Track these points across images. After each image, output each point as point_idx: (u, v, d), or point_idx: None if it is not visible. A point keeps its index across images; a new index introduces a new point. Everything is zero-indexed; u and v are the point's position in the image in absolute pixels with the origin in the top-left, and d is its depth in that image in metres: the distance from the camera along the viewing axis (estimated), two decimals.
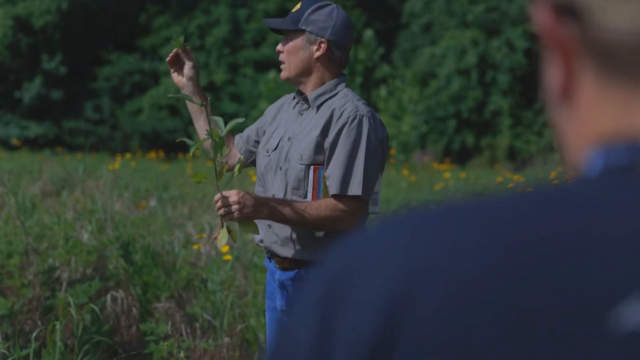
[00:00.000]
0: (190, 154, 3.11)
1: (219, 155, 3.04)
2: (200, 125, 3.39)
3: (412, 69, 30.72)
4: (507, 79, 29.15)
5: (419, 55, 31.76)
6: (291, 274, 3.20)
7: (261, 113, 3.72)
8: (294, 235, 3.15)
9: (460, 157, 28.93)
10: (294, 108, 3.31)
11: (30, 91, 31.72)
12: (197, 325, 5.55)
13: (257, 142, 3.42)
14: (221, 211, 2.97)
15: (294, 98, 3.35)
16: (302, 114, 3.26)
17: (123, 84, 33.66)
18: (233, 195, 2.98)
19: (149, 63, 34.17)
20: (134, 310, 5.80)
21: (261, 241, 3.26)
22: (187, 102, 3.42)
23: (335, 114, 3.13)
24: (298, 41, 3.21)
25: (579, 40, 0.67)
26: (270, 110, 3.44)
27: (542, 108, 29.57)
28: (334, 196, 3.09)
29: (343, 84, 3.25)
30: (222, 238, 3.06)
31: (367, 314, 0.64)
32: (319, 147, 3.13)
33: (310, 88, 3.24)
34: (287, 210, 3.03)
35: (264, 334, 5.29)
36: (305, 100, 3.25)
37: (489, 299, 0.61)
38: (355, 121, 3.10)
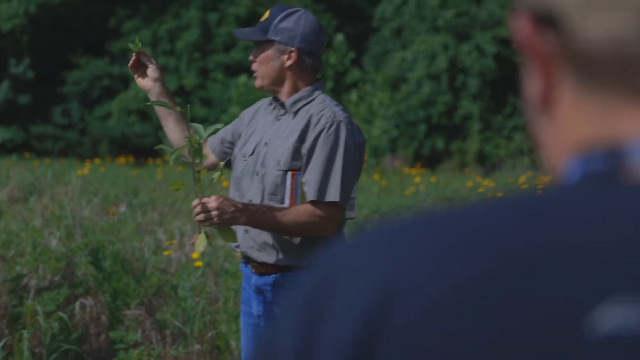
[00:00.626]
0: (171, 162, 3.11)
1: (197, 161, 3.02)
2: (170, 128, 3.38)
3: (383, 73, 30.79)
4: (476, 84, 29.31)
5: (390, 59, 31.84)
6: (268, 279, 3.20)
7: (232, 117, 3.71)
8: (271, 241, 3.15)
9: (431, 161, 29.03)
10: (270, 113, 3.31)
11: None
12: (168, 332, 5.51)
13: (232, 143, 3.41)
14: (200, 217, 2.96)
15: (271, 103, 3.34)
16: (278, 120, 3.26)
17: (92, 89, 33.47)
18: (212, 201, 2.96)
19: (119, 67, 34.00)
20: (103, 317, 5.74)
21: (237, 246, 3.25)
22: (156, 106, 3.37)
23: (313, 120, 3.13)
24: (269, 52, 3.21)
25: (557, 49, 0.68)
26: (246, 113, 3.42)
27: (512, 112, 29.75)
28: (312, 202, 3.09)
29: (319, 90, 3.26)
30: (200, 244, 3.04)
31: (347, 323, 0.65)
32: (296, 153, 3.13)
33: (285, 95, 3.25)
34: (265, 217, 3.03)
35: (235, 341, 5.26)
36: (282, 106, 3.25)
37: (467, 308, 0.62)
38: (333, 127, 3.10)
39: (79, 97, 33.22)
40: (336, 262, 0.69)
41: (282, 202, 3.14)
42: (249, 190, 3.21)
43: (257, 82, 3.26)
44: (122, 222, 8.17)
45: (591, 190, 0.65)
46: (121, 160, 23.47)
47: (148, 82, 3.38)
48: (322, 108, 3.17)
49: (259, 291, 3.22)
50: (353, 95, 28.32)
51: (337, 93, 28.36)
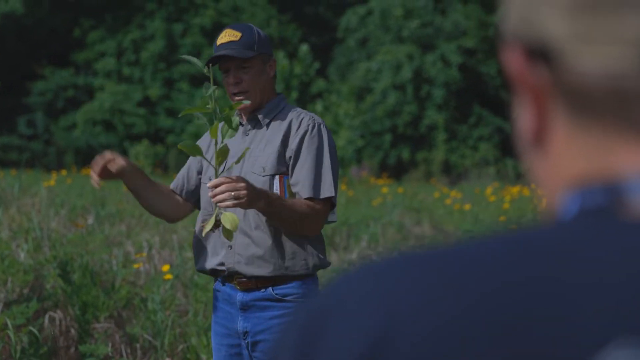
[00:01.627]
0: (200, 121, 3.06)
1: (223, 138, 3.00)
2: (152, 198, 3.31)
3: (348, 83, 30.87)
4: (441, 94, 29.46)
5: (355, 69, 31.93)
6: (257, 293, 3.20)
7: (197, 128, 3.67)
8: (260, 252, 3.16)
9: (397, 171, 29.11)
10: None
11: None
12: (138, 345, 5.49)
13: (199, 173, 3.42)
14: (221, 196, 2.89)
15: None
16: (247, 134, 3.27)
17: (57, 99, 33.28)
18: (240, 180, 2.93)
19: (83, 78, 33.84)
20: (73, 330, 5.71)
21: (220, 264, 3.22)
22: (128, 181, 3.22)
23: (294, 125, 3.19)
24: (259, 66, 3.24)
25: (550, 83, 0.67)
26: (201, 144, 3.35)
27: (477, 122, 29.92)
28: (308, 199, 3.15)
29: (285, 101, 3.35)
30: (209, 225, 3.00)
31: (344, 358, 0.63)
32: (281, 157, 3.17)
33: (257, 108, 3.27)
34: (279, 203, 3.05)
35: (207, 354, 5.25)
36: (254, 119, 3.26)
37: (465, 345, 0.60)
38: (315, 129, 3.19)
39: (44, 108, 33.01)
40: (332, 297, 0.67)
41: None
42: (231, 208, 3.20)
43: (251, 103, 3.20)
44: (90, 234, 8.13)
45: (590, 226, 0.64)
46: (87, 171, 23.29)
47: (115, 165, 3.13)
48: (298, 113, 3.24)
49: (245, 307, 3.21)
50: (318, 106, 28.36)
51: (302, 103, 28.41)
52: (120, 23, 34.53)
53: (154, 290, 5.85)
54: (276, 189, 3.15)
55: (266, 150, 3.19)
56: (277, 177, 3.16)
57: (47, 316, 5.69)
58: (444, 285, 0.62)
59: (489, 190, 16.02)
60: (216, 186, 2.90)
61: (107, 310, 5.78)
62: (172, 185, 3.42)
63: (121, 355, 5.42)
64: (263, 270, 3.17)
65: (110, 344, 5.43)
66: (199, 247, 3.31)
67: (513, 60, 0.69)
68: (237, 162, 3.10)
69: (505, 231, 0.66)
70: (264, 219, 3.15)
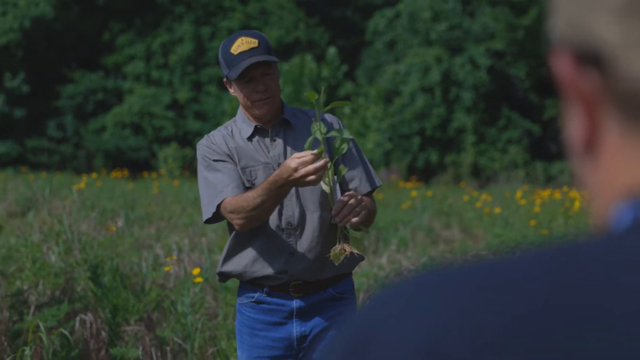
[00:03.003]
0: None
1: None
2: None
3: (376, 86, 30.83)
4: (470, 96, 29.34)
5: (383, 72, 31.89)
6: (316, 296, 3.21)
7: None
8: (321, 256, 3.15)
9: (425, 174, 29.03)
10: (252, 138, 3.26)
11: None
12: (168, 348, 5.50)
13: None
14: (351, 216, 2.92)
15: (230, 130, 3.30)
16: (275, 140, 3.25)
17: (86, 102, 33.47)
18: (352, 194, 2.96)
19: (112, 81, 34.03)
20: (103, 333, 5.73)
21: (282, 271, 3.18)
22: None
23: (325, 123, 3.14)
24: (277, 71, 3.23)
25: (602, 90, 0.64)
26: (222, 147, 3.26)
27: (506, 125, 29.78)
28: (366, 194, 3.23)
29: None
30: (341, 255, 2.99)
31: None
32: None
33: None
34: (366, 206, 3.06)
35: (235, 358, 5.24)
36: (279, 123, 3.25)
37: None
38: (341, 125, 3.24)
39: (74, 111, 33.21)
40: (375, 313, 0.65)
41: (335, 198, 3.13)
42: (287, 208, 3.18)
43: (272, 107, 3.21)
44: (119, 237, 8.17)
45: None
46: (117, 173, 23.44)
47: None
48: (308, 112, 3.31)
49: (301, 313, 3.21)
50: (346, 109, 28.35)
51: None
52: (149, 26, 34.69)
53: (183, 293, 5.86)
54: (337, 189, 3.13)
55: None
56: (337, 185, 3.15)
57: (77, 319, 5.71)
58: (491, 302, 0.60)
59: (518, 193, 15.91)
60: (342, 206, 2.93)
61: (137, 313, 5.79)
62: (235, 192, 3.17)
63: (151, 359, 5.43)
64: (326, 272, 3.18)
65: (140, 347, 5.44)
66: (246, 254, 3.24)
67: (562, 67, 0.67)
68: (331, 172, 3.04)
69: (553, 243, 0.64)
70: (319, 221, 3.15)
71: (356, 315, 0.67)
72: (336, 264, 3.00)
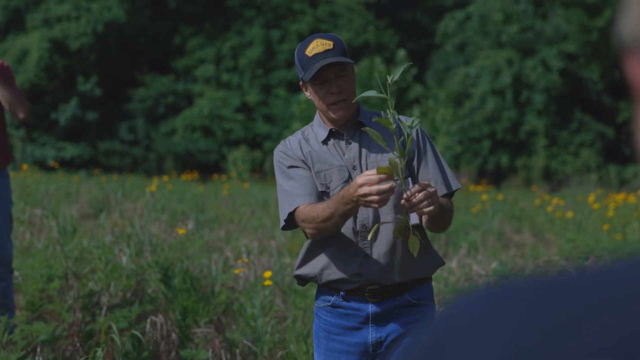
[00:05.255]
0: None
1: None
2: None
3: (446, 89, 30.68)
4: (542, 99, 29.02)
5: (453, 75, 31.72)
6: (392, 302, 3.17)
7: (293, 133, 3.53)
8: (398, 260, 3.13)
9: (495, 177, 28.80)
10: (327, 142, 3.24)
11: (66, 113, 32.02)
12: (237, 351, 5.50)
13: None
14: (425, 203, 2.85)
15: (306, 135, 3.28)
16: (350, 143, 3.22)
17: (157, 105, 33.88)
18: (427, 187, 2.89)
19: (183, 84, 34.38)
20: (174, 335, 5.76)
21: (357, 274, 3.16)
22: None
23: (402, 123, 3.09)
24: (353, 73, 3.19)
25: None
26: (296, 152, 3.24)
27: (579, 128, 29.38)
28: (444, 196, 3.17)
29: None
30: (415, 243, 2.94)
31: None
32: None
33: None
34: (442, 202, 3.04)
35: None
36: (354, 126, 3.22)
37: None
38: (419, 126, 3.17)
39: (145, 114, 33.65)
40: (449, 325, 0.64)
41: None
42: (362, 210, 3.14)
43: (345, 112, 3.17)
44: (189, 240, 8.23)
45: None
46: (187, 176, 23.67)
47: None
48: (383, 113, 3.22)
49: (378, 318, 3.18)
50: (415, 111, 28.24)
51: (400, 109, 28.34)
52: (220, 30, 34.97)
53: (253, 296, 5.86)
54: (409, 185, 3.08)
55: (386, 154, 3.14)
56: (409, 178, 3.13)
57: (148, 320, 5.75)
58: (566, 317, 0.59)
59: (591, 197, 15.66)
60: (414, 194, 2.85)
61: (207, 316, 5.81)
62: (312, 201, 3.15)
63: None
64: (403, 276, 3.15)
65: (210, 350, 5.45)
66: (322, 257, 3.22)
67: (633, 68, 0.64)
68: (403, 175, 2.95)
69: (628, 256, 0.61)
70: (394, 224, 3.10)
71: (432, 324, 0.66)
72: (411, 250, 2.94)
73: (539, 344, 0.58)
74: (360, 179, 2.81)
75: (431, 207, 2.84)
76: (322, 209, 2.98)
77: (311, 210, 3.03)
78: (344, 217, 2.97)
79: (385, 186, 2.78)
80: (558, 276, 0.62)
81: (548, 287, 0.61)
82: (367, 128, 2.92)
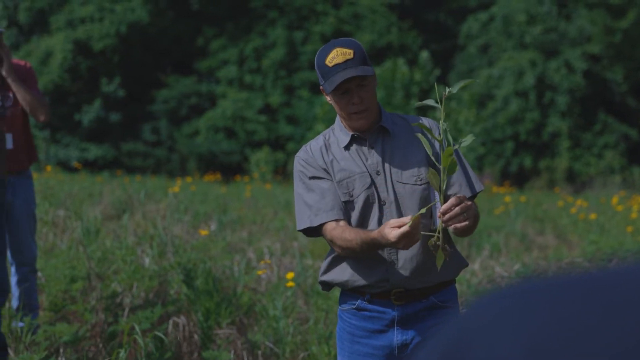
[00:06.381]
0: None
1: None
2: None
3: (469, 90, 30.57)
4: (565, 101, 28.88)
5: (476, 76, 31.60)
6: (418, 304, 3.17)
7: (316, 134, 3.57)
8: (423, 264, 3.13)
9: (518, 179, 28.68)
10: (349, 147, 3.23)
11: (89, 114, 32.15)
12: (259, 352, 5.51)
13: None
14: (460, 218, 2.87)
15: (328, 140, 3.27)
16: (372, 148, 3.21)
17: (180, 107, 33.95)
18: (463, 200, 2.90)
19: (206, 85, 34.44)
20: (196, 336, 5.77)
21: (383, 280, 3.15)
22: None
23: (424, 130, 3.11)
24: (374, 81, 3.18)
25: None
26: (318, 161, 3.24)
27: (602, 130, 29.22)
28: (469, 198, 3.15)
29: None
30: (440, 258, 2.95)
31: None
32: (429, 163, 3.14)
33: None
34: (474, 213, 3.02)
35: None
36: (376, 131, 3.21)
37: None
38: (442, 128, 3.14)
39: (168, 115, 33.73)
40: (469, 326, 0.64)
41: (432, 215, 3.13)
42: (387, 216, 3.13)
43: (366, 121, 3.17)
44: (212, 241, 8.24)
45: None
46: (209, 177, 23.71)
47: None
48: (411, 118, 3.26)
49: (403, 321, 3.17)
50: (438, 113, 28.14)
51: (422, 110, 28.28)
52: (242, 31, 35.01)
53: (275, 298, 5.86)
54: (436, 196, 3.08)
55: (410, 159, 3.15)
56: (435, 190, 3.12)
57: (170, 321, 5.77)
58: (589, 318, 0.58)
59: (615, 199, 15.57)
60: (451, 207, 2.87)
61: (229, 317, 5.82)
62: (335, 216, 3.14)
63: None
64: (428, 280, 3.15)
65: (232, 351, 5.46)
66: (347, 263, 3.20)
67: None
68: (444, 183, 2.97)
69: None
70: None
71: (452, 324, 0.66)
72: (437, 259, 2.95)
73: (560, 344, 0.58)
74: (392, 235, 2.84)
75: (466, 222, 2.85)
76: (350, 240, 3.03)
77: (338, 235, 3.07)
78: (372, 252, 3.06)
79: (419, 236, 2.86)
80: (580, 276, 0.62)
81: (570, 288, 0.61)
82: (418, 122, 2.97)
